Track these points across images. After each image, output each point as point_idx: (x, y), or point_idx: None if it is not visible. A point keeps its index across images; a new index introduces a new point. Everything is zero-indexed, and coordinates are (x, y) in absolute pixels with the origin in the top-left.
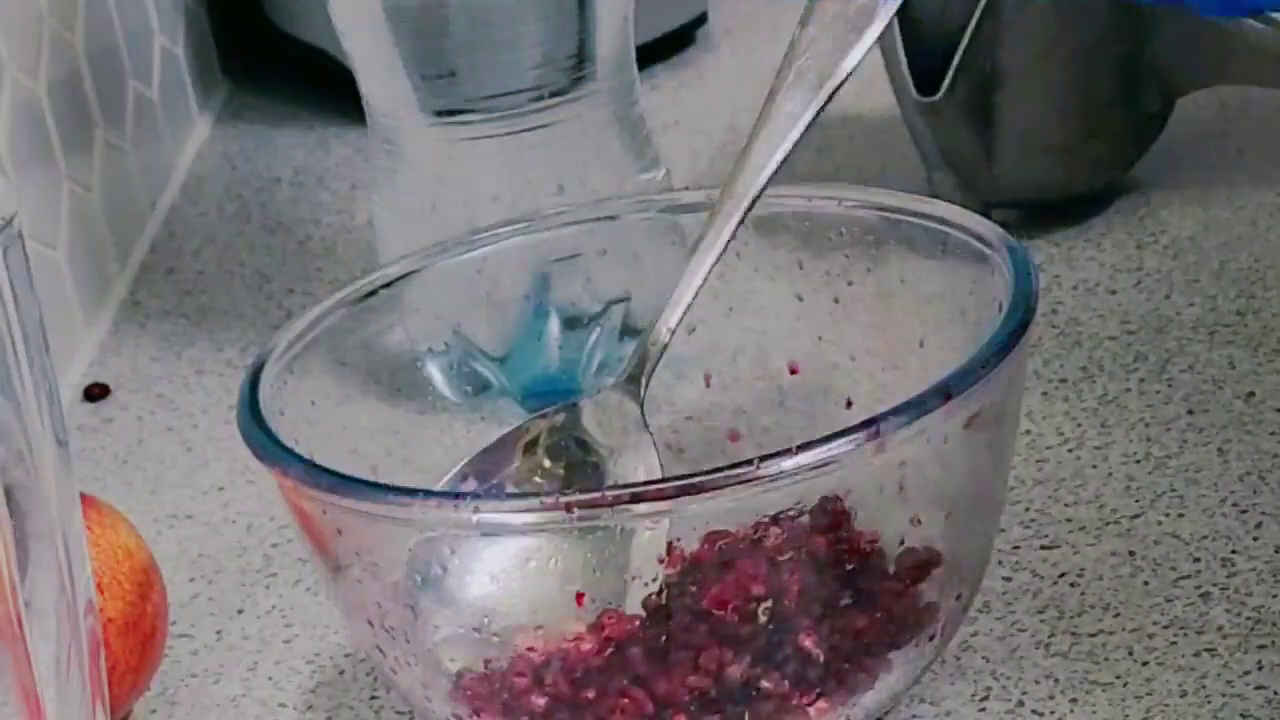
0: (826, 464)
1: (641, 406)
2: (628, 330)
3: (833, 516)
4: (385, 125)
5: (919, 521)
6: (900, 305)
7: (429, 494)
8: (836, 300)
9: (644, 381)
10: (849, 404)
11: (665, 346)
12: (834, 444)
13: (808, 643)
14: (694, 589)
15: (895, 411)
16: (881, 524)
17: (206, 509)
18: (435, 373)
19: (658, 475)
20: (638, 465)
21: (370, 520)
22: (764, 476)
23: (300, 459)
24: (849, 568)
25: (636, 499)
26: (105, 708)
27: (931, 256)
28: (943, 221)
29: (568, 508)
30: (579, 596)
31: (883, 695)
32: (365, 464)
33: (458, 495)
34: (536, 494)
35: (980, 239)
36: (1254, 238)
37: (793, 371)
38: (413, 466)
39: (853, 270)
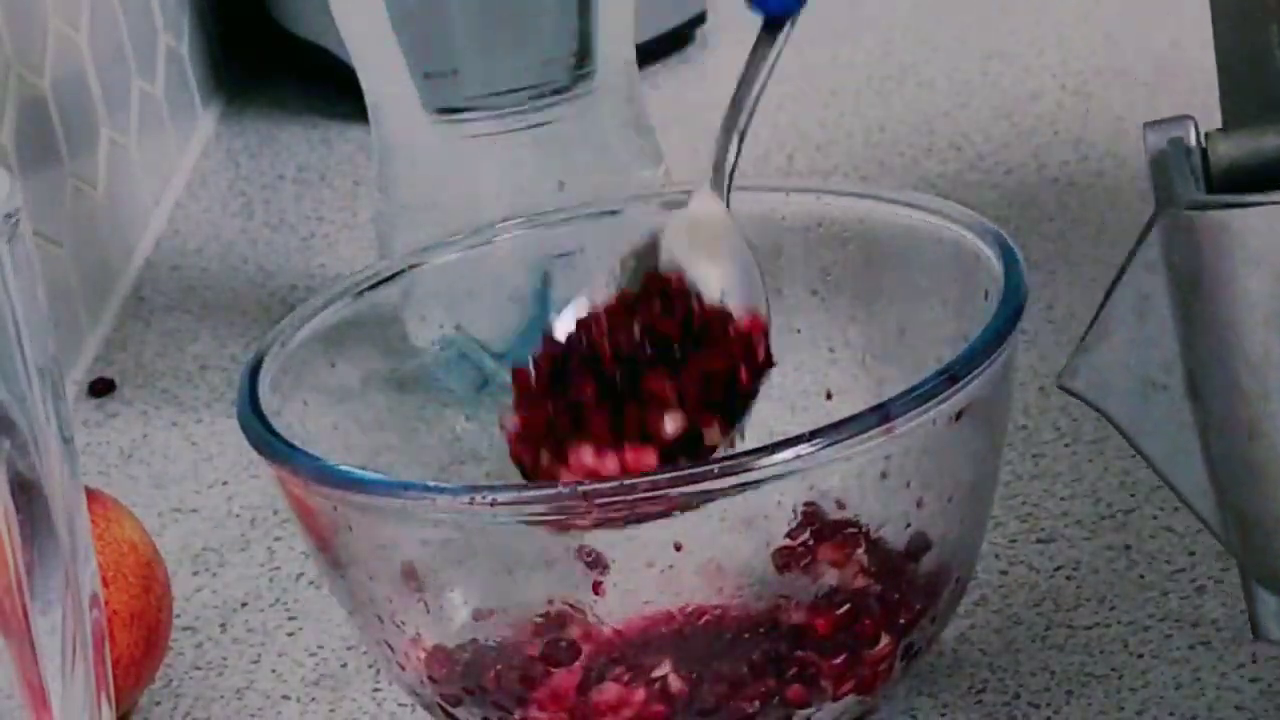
0: (809, 457)
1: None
2: None
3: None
4: (388, 123)
5: (909, 511)
6: (879, 296)
7: (427, 488)
8: (814, 292)
9: (726, 187)
10: (829, 396)
11: (739, 150)
12: (810, 444)
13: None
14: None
15: (874, 411)
16: (872, 512)
17: (210, 503)
18: (436, 368)
19: (749, 282)
20: (720, 273)
21: (375, 514)
22: (754, 468)
23: (301, 453)
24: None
25: (653, 488)
26: (110, 700)
27: (911, 247)
28: (924, 211)
29: (585, 497)
30: (597, 585)
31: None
32: (365, 459)
33: (472, 489)
34: (551, 485)
35: (963, 228)
36: None
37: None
38: (414, 462)
39: (831, 262)
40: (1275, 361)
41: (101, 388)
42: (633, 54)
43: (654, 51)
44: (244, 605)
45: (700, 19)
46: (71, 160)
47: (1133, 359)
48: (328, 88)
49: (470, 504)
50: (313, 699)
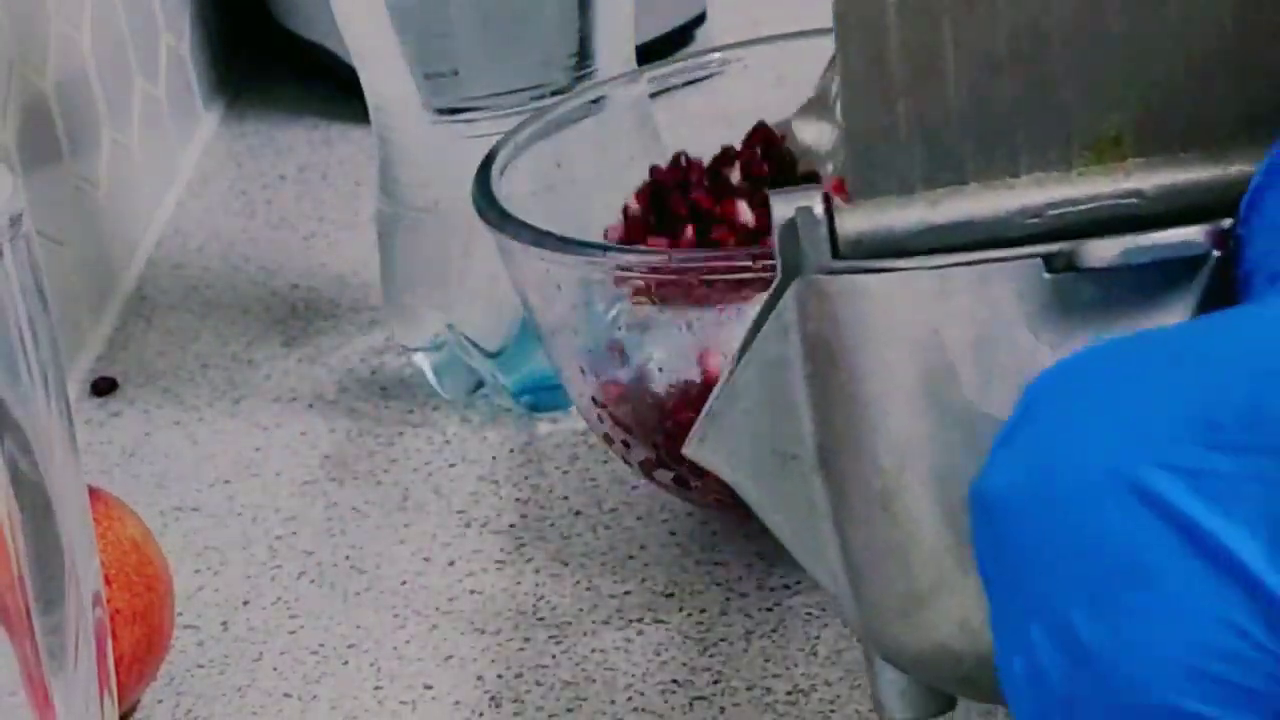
0: None
1: None
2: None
3: None
4: (388, 123)
5: None
6: None
7: (622, 249)
8: None
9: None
10: None
11: None
12: None
13: None
14: None
15: None
16: None
17: (212, 501)
18: (427, 369)
19: None
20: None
21: (585, 270)
22: None
23: (524, 224)
24: None
25: None
26: (113, 698)
27: None
28: None
29: (753, 259)
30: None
31: None
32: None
33: (661, 251)
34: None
35: None
36: None
37: None
38: (405, 466)
39: None
40: (913, 435)
41: (104, 387)
42: (633, 54)
43: (654, 51)
44: (245, 603)
45: (700, 19)
46: (74, 160)
47: (762, 429)
48: (329, 88)
49: (667, 262)
50: (314, 697)
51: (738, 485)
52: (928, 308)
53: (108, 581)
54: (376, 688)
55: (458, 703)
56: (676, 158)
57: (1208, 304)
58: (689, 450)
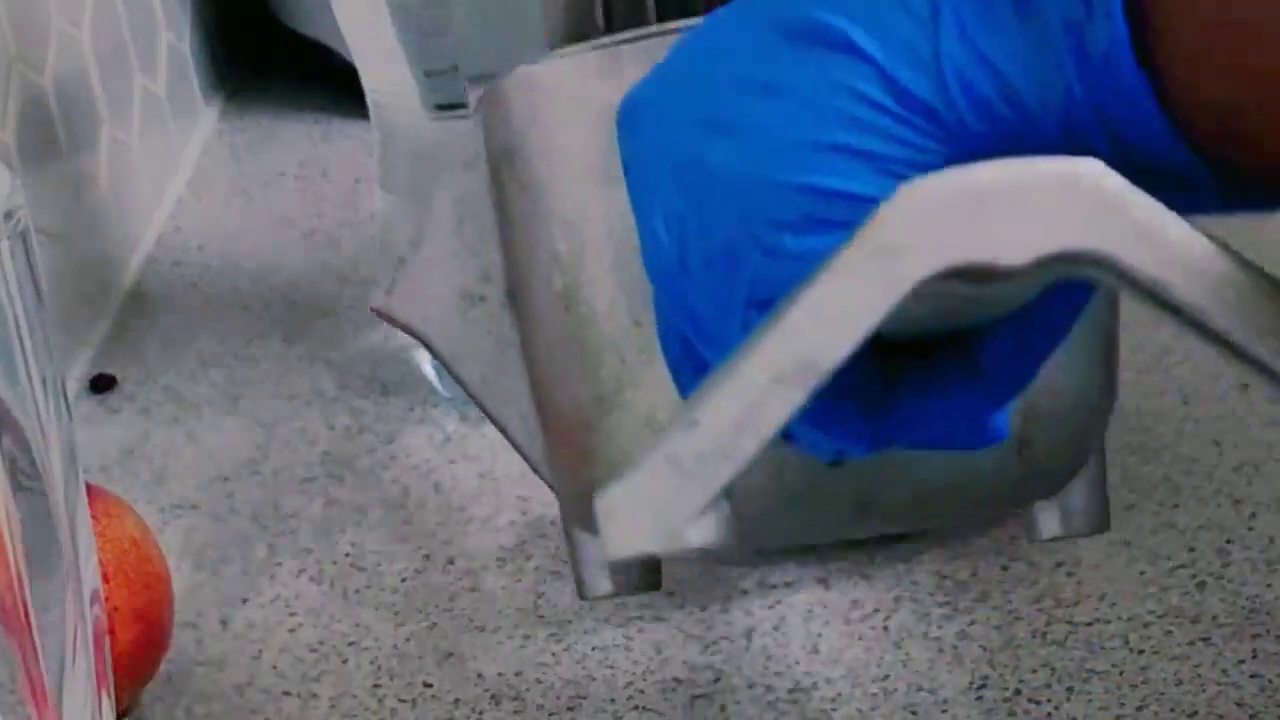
0: None
1: None
2: None
3: None
4: (388, 119)
5: None
6: None
7: None
8: None
9: None
10: None
11: None
12: None
13: None
14: None
15: None
16: None
17: (211, 499)
18: (427, 366)
19: None
20: None
21: None
22: None
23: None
24: None
25: None
26: (111, 696)
27: None
28: None
29: None
30: None
31: None
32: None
33: None
34: None
35: None
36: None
37: None
38: (405, 463)
39: None
40: (589, 215)
41: (103, 384)
42: None
43: None
44: (244, 601)
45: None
46: (73, 157)
47: (451, 273)
48: (328, 84)
49: None
50: (313, 695)
51: (427, 338)
52: (599, 86)
53: (107, 579)
54: (376, 686)
55: (458, 701)
56: None
57: None
58: (375, 303)
